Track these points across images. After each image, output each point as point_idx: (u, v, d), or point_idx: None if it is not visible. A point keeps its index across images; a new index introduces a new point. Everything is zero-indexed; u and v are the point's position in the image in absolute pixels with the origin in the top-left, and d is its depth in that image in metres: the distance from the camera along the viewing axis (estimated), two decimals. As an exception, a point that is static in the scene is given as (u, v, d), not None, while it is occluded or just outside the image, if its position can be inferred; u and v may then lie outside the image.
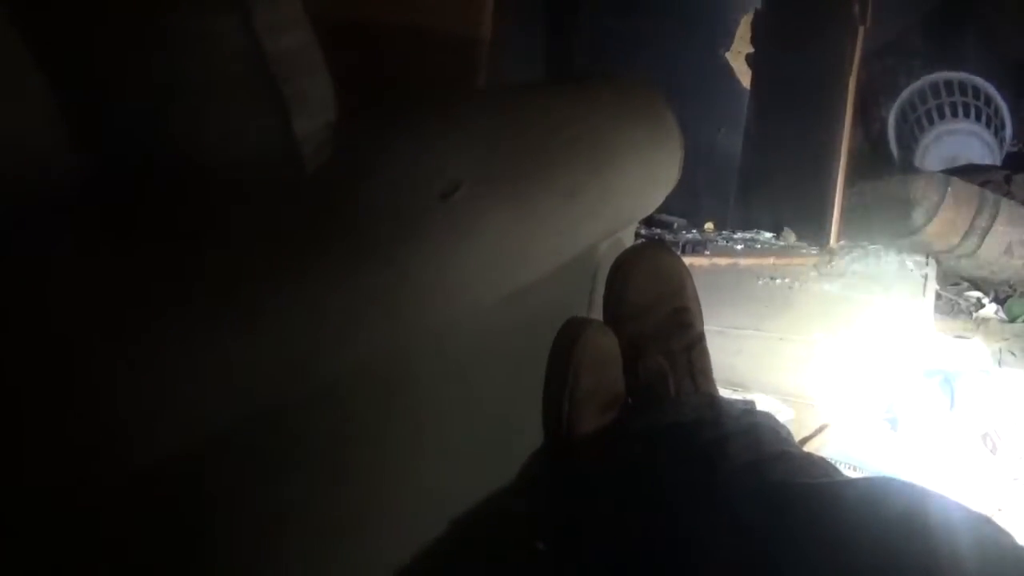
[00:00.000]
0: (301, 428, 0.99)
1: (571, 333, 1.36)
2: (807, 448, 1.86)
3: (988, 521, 0.99)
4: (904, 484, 1.07)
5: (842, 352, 2.10)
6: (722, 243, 2.45)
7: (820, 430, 1.95)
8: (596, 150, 1.28)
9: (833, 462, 1.30)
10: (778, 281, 2.28)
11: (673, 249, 1.46)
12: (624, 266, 1.41)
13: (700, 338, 1.43)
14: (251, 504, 0.95)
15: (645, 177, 1.40)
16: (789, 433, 1.37)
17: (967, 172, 2.85)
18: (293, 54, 0.86)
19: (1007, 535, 0.98)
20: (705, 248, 2.34)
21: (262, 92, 0.84)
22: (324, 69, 0.90)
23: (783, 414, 1.95)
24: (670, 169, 1.44)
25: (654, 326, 1.40)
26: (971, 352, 2.22)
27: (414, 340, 1.08)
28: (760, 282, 2.28)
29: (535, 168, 1.17)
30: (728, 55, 2.68)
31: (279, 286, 0.85)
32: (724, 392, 1.52)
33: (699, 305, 1.45)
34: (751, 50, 2.65)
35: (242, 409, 0.87)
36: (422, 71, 1.31)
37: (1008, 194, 2.73)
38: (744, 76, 2.68)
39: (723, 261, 2.32)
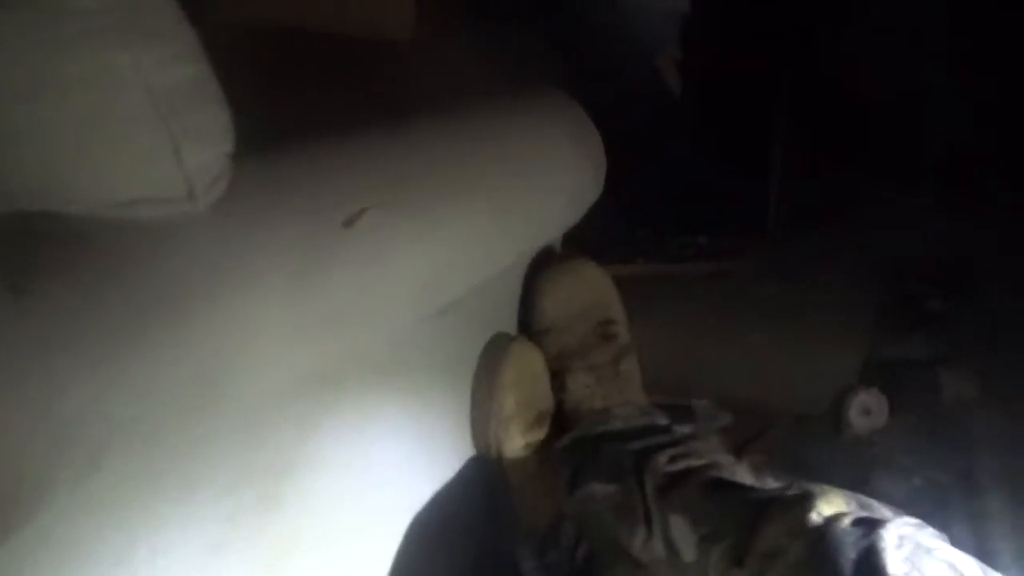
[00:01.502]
0: (221, 453, 0.98)
1: (496, 350, 1.36)
2: (748, 452, 1.86)
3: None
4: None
5: (781, 353, 2.10)
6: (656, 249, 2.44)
7: (761, 432, 1.95)
8: (514, 167, 1.27)
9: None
10: (714, 284, 2.28)
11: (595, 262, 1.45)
12: (545, 281, 1.41)
13: (628, 349, 1.43)
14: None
15: (567, 190, 1.40)
16: (721, 440, 1.37)
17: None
18: (184, 88, 0.84)
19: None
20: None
21: (151, 128, 0.82)
22: (220, 100, 0.88)
23: (722, 418, 1.95)
24: (593, 181, 1.44)
25: (580, 339, 1.40)
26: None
27: (329, 365, 1.07)
28: (696, 286, 2.28)
29: (450, 188, 1.15)
30: (659, 61, 2.68)
31: (180, 326, 0.84)
32: (662, 399, 1.52)
33: (625, 316, 1.45)
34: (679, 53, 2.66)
35: (157, 438, 0.86)
36: (337, 79, 1.30)
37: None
38: (674, 79, 2.68)
39: (657, 268, 2.32)
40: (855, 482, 1.72)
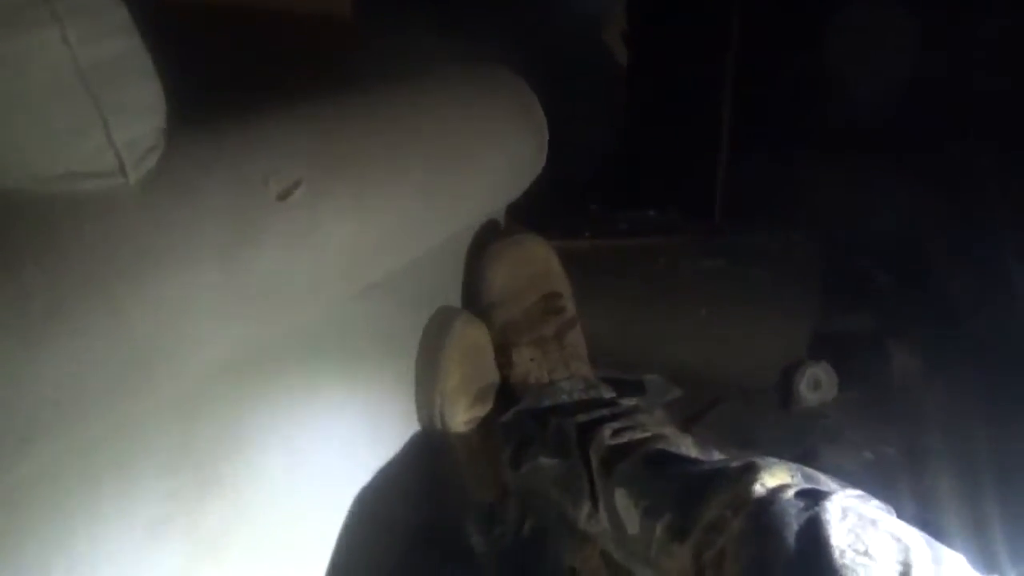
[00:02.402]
0: (156, 432, 0.96)
1: (440, 325, 1.35)
2: (698, 426, 1.86)
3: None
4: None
5: (730, 328, 2.10)
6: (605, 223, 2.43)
7: (710, 406, 1.95)
8: (453, 141, 1.26)
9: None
10: (663, 259, 2.27)
11: (539, 236, 1.45)
12: (489, 255, 1.40)
13: (573, 322, 1.42)
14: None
15: (508, 165, 1.39)
16: (668, 414, 1.37)
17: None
18: (113, 62, 0.82)
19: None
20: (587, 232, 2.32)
21: (79, 102, 0.81)
22: (151, 74, 0.86)
23: (672, 392, 1.95)
24: (534, 155, 1.43)
25: (524, 313, 1.40)
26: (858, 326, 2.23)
27: (265, 341, 1.05)
28: (645, 261, 2.27)
29: (386, 162, 1.13)
30: (606, 34, 2.67)
31: (106, 304, 0.82)
32: (612, 374, 1.52)
33: (570, 289, 1.45)
34: (626, 27, 2.66)
35: (88, 418, 0.84)
36: (274, 54, 1.28)
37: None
38: (622, 54, 2.68)
39: (606, 242, 2.32)
40: (804, 456, 1.74)
